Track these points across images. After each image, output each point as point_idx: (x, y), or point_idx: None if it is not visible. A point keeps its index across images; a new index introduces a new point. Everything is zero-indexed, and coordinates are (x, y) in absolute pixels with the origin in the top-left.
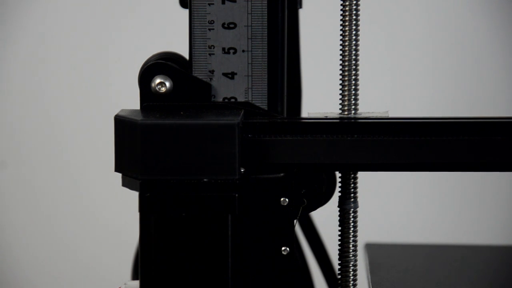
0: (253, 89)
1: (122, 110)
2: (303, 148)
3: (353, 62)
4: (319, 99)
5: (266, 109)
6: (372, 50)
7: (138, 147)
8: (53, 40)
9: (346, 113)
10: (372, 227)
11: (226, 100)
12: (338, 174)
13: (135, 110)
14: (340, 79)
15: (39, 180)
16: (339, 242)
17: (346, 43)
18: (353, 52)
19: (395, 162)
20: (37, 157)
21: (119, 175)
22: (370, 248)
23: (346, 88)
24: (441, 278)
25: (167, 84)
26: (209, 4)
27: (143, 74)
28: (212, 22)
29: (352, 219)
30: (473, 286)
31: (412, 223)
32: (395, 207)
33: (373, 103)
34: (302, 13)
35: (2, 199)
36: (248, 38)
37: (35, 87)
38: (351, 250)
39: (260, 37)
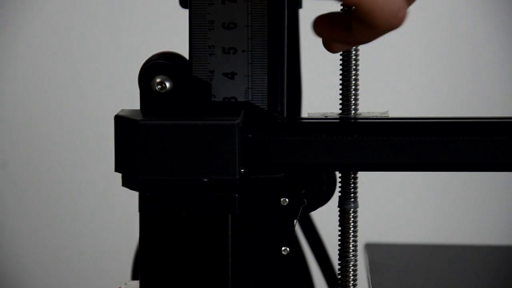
0: (253, 89)
1: (122, 110)
2: (303, 148)
3: (353, 62)
4: (319, 99)
5: (266, 109)
6: (372, 50)
7: (138, 147)
8: (53, 40)
9: (346, 113)
10: (372, 227)
11: (226, 100)
12: (338, 174)
13: (135, 110)
14: (340, 79)
15: (39, 180)
16: (339, 242)
17: None
18: (353, 52)
19: (395, 162)
20: (37, 157)
21: (119, 175)
22: (370, 248)
23: (346, 88)
24: (441, 278)
25: (167, 84)
26: (209, 4)
27: (143, 74)
28: (212, 22)
29: (352, 219)
30: (472, 286)
31: (412, 223)
32: (395, 207)
33: (373, 103)
34: (302, 13)
35: (2, 199)
36: (248, 38)
37: (35, 87)
38: (351, 250)
39: (260, 37)
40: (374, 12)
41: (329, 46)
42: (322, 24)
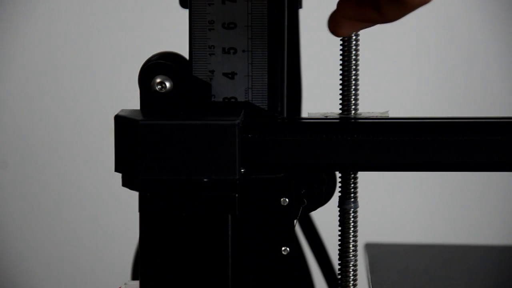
0: (253, 89)
1: (122, 110)
2: (303, 148)
3: (353, 62)
4: (319, 99)
5: (266, 109)
6: (372, 50)
7: (138, 147)
8: (53, 40)
9: (346, 113)
10: (372, 227)
11: (226, 100)
12: (338, 174)
13: (135, 110)
14: (340, 79)
15: (39, 180)
16: (339, 242)
17: (346, 43)
18: (353, 52)
19: (395, 162)
20: (37, 157)
21: (119, 175)
22: (370, 248)
23: (346, 88)
24: (441, 278)
25: (167, 84)
26: (209, 4)
27: (143, 74)
28: (212, 22)
29: (352, 219)
30: (472, 286)
31: (412, 223)
32: (395, 207)
33: (373, 103)
34: (302, 13)
35: (2, 199)
36: (248, 38)
37: (35, 87)
38: (351, 250)
39: (260, 37)
40: None
41: (338, 28)
42: (349, 3)
